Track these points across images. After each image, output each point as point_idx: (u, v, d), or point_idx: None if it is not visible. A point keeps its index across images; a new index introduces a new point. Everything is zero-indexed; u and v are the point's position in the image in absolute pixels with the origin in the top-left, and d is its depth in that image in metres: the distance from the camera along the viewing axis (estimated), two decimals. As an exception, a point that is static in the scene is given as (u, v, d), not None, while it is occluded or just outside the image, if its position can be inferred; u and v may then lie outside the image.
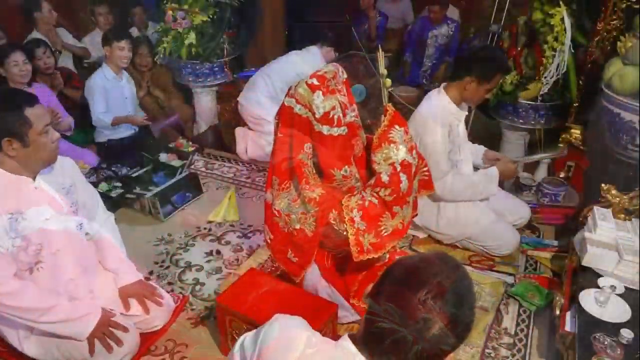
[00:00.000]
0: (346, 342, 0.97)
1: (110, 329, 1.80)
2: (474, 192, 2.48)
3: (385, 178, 1.78)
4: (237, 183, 3.33)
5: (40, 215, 1.69)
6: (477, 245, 2.55)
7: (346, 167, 1.78)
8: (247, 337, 1.17)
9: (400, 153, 1.81)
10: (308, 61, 3.26)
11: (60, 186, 1.78)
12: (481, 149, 2.75)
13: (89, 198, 1.92)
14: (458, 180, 2.44)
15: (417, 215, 1.99)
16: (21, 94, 1.65)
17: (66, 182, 1.80)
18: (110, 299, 1.95)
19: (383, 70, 1.84)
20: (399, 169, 1.80)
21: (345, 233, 1.77)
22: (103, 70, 3.33)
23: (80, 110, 3.50)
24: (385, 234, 1.78)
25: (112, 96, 3.33)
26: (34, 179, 1.69)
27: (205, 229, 2.82)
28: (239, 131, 3.60)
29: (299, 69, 3.23)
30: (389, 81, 1.85)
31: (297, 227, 1.88)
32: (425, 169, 2.07)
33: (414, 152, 1.92)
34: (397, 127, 1.84)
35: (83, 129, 3.55)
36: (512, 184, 3.17)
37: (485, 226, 2.50)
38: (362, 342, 0.94)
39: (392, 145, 1.82)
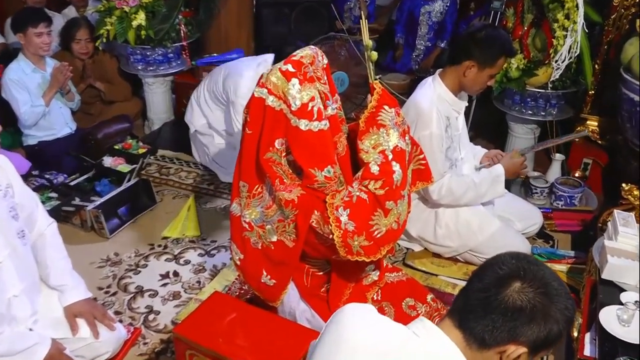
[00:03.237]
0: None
1: None
2: (476, 194, 2.51)
3: (375, 168, 1.78)
4: (198, 191, 3.30)
5: None
6: (482, 258, 2.57)
7: (329, 167, 1.77)
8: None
9: (391, 138, 1.81)
10: None
11: None
12: (480, 151, 2.79)
13: (27, 201, 1.90)
14: (457, 182, 2.47)
15: (410, 211, 1.99)
16: None
17: (2, 183, 1.78)
18: (55, 320, 1.92)
19: (367, 41, 1.84)
20: (390, 157, 1.79)
21: (330, 237, 1.76)
22: (19, 63, 3.24)
23: (1, 108, 3.43)
24: (379, 235, 1.76)
25: (34, 93, 3.25)
26: None
27: (160, 246, 2.80)
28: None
29: None
30: (374, 54, 1.85)
31: (274, 239, 1.87)
32: (420, 156, 2.08)
33: (407, 136, 1.92)
34: (386, 108, 1.83)
35: (7, 129, 3.47)
36: (520, 186, 3.22)
37: (490, 236, 2.54)
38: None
39: (381, 129, 1.81)
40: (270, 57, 3.09)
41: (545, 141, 2.93)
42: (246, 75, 3.03)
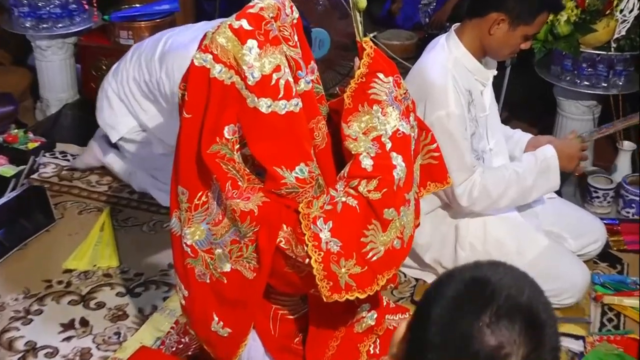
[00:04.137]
0: None
1: None
2: (521, 191, 2.53)
3: (367, 162, 1.80)
4: (116, 202, 3.29)
5: None
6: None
7: (302, 164, 1.79)
8: None
9: (389, 119, 1.83)
10: None
11: None
12: (521, 137, 2.81)
13: None
14: (493, 177, 2.49)
15: (419, 224, 2.01)
16: None
17: None
18: None
19: None
20: (388, 145, 1.81)
21: (306, 262, 1.77)
22: None
23: None
24: (375, 257, 1.77)
25: None
26: None
27: (60, 283, 2.78)
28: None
29: None
30: (363, 1, 1.87)
31: (227, 268, 1.88)
32: (432, 146, 2.10)
33: (412, 116, 1.94)
34: (381, 76, 1.85)
35: None
36: (575, 187, 3.25)
37: (533, 260, 2.55)
38: None
39: (375, 107, 1.83)
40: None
41: (613, 123, 2.92)
42: (194, 50, 2.98)
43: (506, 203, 2.54)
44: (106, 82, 3.30)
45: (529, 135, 2.82)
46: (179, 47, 2.98)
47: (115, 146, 3.37)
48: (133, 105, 3.20)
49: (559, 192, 2.87)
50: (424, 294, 1.06)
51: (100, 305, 2.67)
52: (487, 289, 0.99)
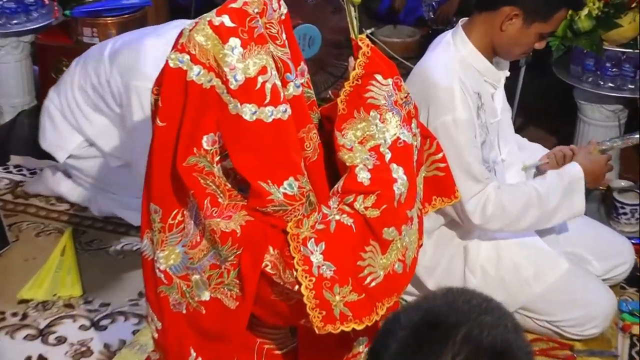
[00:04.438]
0: None
1: None
2: (542, 213, 2.52)
3: (364, 175, 1.80)
4: (78, 222, 3.30)
5: None
6: (541, 321, 2.61)
7: (291, 179, 1.79)
8: None
9: (388, 127, 1.84)
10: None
11: None
12: (537, 151, 2.83)
13: None
14: (510, 194, 2.49)
15: (422, 245, 2.01)
16: None
17: None
18: None
19: None
20: (388, 156, 1.82)
21: (295, 289, 1.77)
22: None
23: None
24: (374, 283, 1.78)
25: None
26: None
27: (15, 315, 2.78)
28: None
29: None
30: None
31: (206, 297, 1.88)
32: (438, 156, 2.11)
33: (414, 123, 1.95)
34: (379, 78, 1.87)
35: None
36: (599, 203, 3.26)
37: (553, 285, 2.58)
38: None
39: (372, 113, 1.84)
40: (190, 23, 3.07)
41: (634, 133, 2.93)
42: (150, 44, 2.93)
43: (525, 225, 2.54)
44: (47, 100, 3.32)
45: (546, 150, 2.82)
46: (131, 41, 3.02)
47: (69, 175, 3.38)
48: (78, 118, 3.21)
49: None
50: (370, 346, 1.03)
51: (61, 341, 2.67)
52: (440, 333, 0.95)
